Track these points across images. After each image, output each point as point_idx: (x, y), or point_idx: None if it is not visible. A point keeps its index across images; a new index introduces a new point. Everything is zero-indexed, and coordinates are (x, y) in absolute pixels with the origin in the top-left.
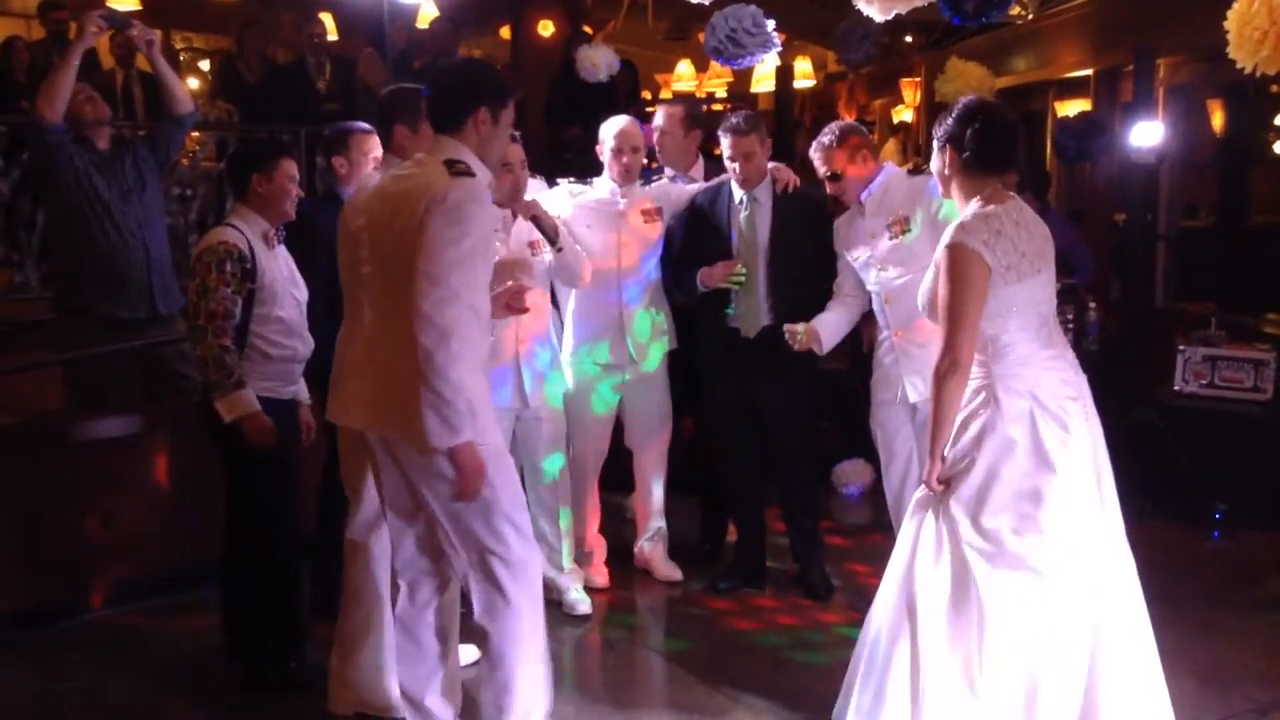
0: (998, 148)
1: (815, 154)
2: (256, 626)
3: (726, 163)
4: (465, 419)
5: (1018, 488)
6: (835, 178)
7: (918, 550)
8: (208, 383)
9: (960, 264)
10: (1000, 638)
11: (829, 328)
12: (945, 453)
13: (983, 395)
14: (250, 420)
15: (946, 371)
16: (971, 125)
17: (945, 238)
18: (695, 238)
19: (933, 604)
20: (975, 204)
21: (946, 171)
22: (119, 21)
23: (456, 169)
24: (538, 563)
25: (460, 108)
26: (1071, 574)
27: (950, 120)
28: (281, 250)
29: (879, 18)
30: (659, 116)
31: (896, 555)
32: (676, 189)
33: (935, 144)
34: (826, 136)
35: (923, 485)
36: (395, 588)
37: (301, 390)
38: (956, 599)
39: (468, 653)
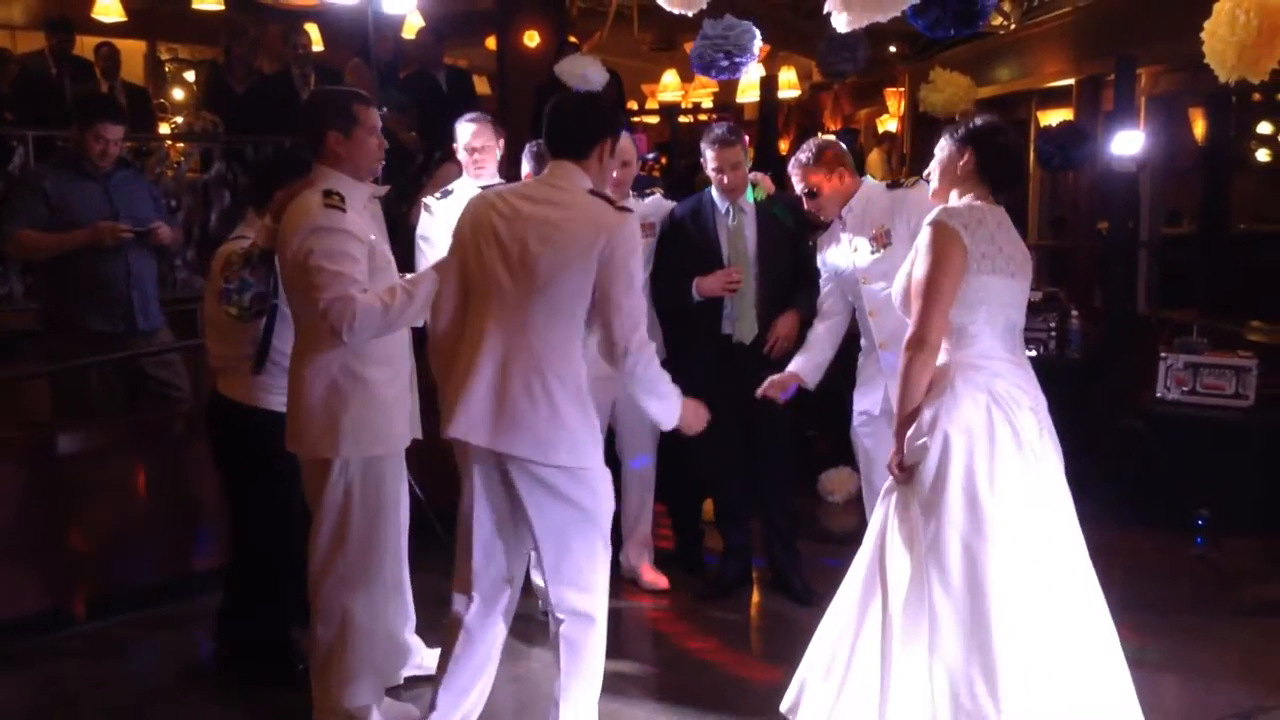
0: (1013, 170)
1: (792, 171)
2: (264, 628)
3: (712, 174)
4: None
5: (969, 478)
6: (812, 195)
7: (887, 539)
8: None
9: (940, 240)
10: (951, 632)
11: (811, 363)
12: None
13: (943, 382)
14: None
15: (915, 347)
16: (999, 139)
17: (929, 217)
18: (682, 249)
19: (899, 594)
20: (967, 198)
21: (958, 170)
22: (142, 231)
23: (618, 205)
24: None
25: (592, 138)
26: (1024, 570)
27: (981, 125)
28: None
29: (843, 28)
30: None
31: (864, 546)
32: (667, 204)
33: (953, 140)
34: (803, 154)
35: (891, 476)
36: (465, 599)
37: None
38: (915, 590)
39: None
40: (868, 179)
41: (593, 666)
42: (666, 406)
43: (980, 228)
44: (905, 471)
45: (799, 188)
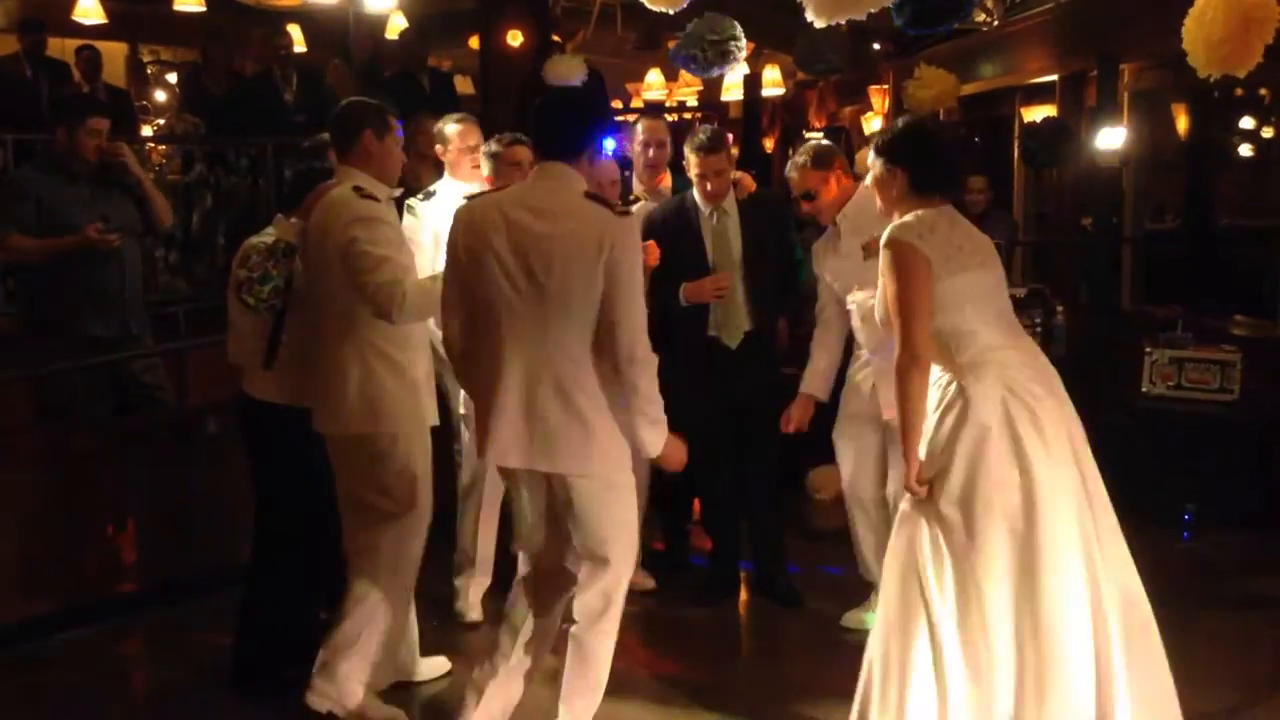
0: (947, 171)
1: (790, 174)
2: (288, 625)
3: (695, 180)
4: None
5: (1001, 476)
6: (809, 197)
7: (919, 557)
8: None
9: (900, 258)
10: (1004, 630)
11: (820, 377)
12: (921, 454)
13: (954, 388)
14: None
15: (908, 366)
16: (921, 150)
17: (883, 239)
18: (665, 253)
19: (943, 607)
20: (913, 213)
21: (894, 193)
22: (141, 232)
23: (618, 210)
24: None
25: (584, 138)
26: (1064, 561)
27: (898, 143)
28: None
29: (820, 23)
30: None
31: (891, 566)
32: (648, 207)
33: (881, 163)
34: (800, 157)
35: (907, 494)
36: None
37: None
38: (962, 598)
39: (437, 665)
40: (860, 187)
41: (598, 673)
42: (656, 434)
43: (933, 234)
44: (926, 485)
45: (796, 191)
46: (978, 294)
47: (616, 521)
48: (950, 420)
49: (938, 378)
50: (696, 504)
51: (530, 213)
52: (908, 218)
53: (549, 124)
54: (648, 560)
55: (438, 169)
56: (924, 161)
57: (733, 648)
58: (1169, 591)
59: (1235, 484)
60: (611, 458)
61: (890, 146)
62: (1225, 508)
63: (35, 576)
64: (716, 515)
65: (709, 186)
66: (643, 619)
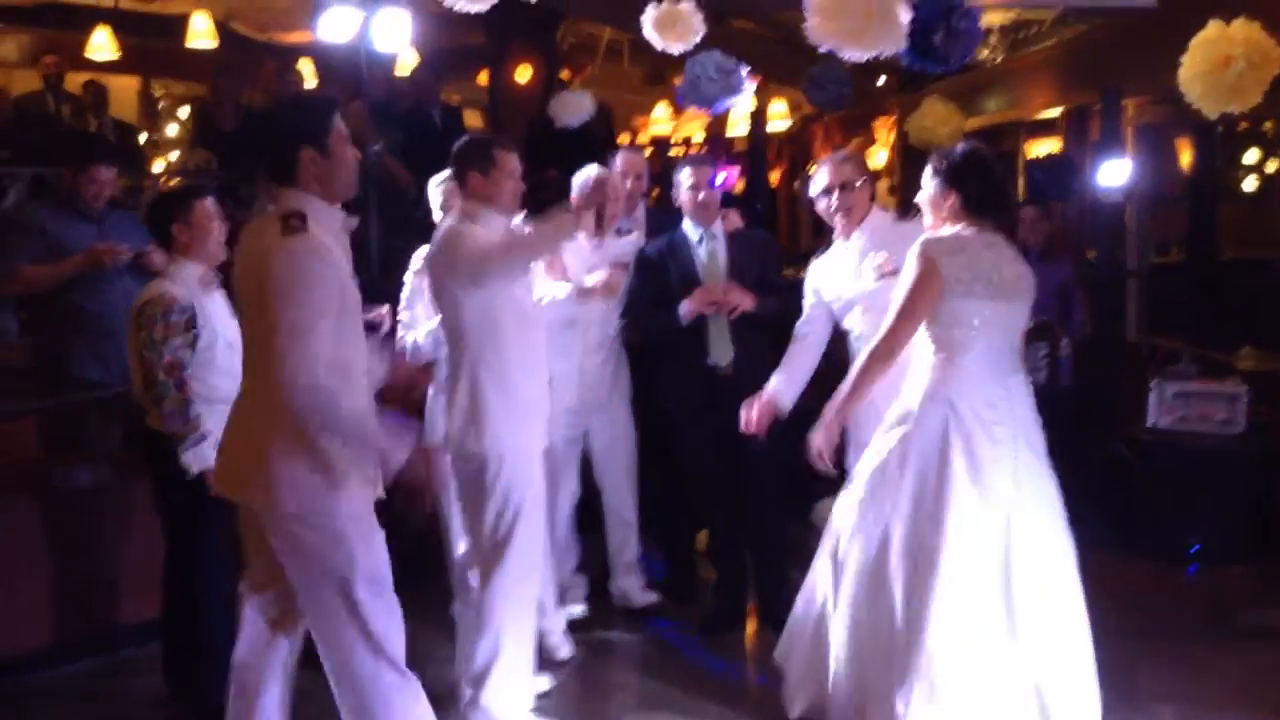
0: (1000, 202)
1: (826, 165)
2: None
3: (686, 193)
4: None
5: (929, 492)
6: (845, 188)
7: (841, 536)
8: (174, 436)
9: (920, 265)
10: (921, 630)
11: (787, 382)
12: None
13: (920, 394)
14: None
15: (877, 355)
16: (983, 177)
17: (919, 240)
18: (658, 283)
19: (855, 584)
20: (957, 228)
21: (945, 211)
22: (141, 252)
23: (291, 224)
24: (398, 643)
25: (284, 152)
26: (983, 580)
27: (962, 164)
28: (220, 292)
29: (849, 57)
30: None
31: (825, 540)
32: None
33: (936, 184)
34: (843, 153)
35: (843, 491)
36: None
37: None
38: (877, 583)
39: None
40: (876, 209)
41: None
42: (356, 471)
43: (960, 255)
44: (823, 455)
45: (829, 181)
46: (983, 323)
47: (308, 567)
48: (900, 430)
49: (911, 375)
50: (702, 535)
51: (248, 238)
52: (947, 231)
53: (247, 148)
54: (651, 583)
55: None
56: (978, 187)
57: (739, 680)
58: (1176, 625)
59: (1242, 517)
60: (299, 494)
61: (949, 169)
62: (1232, 541)
63: (29, 611)
64: (718, 543)
65: (699, 196)
66: (646, 650)
